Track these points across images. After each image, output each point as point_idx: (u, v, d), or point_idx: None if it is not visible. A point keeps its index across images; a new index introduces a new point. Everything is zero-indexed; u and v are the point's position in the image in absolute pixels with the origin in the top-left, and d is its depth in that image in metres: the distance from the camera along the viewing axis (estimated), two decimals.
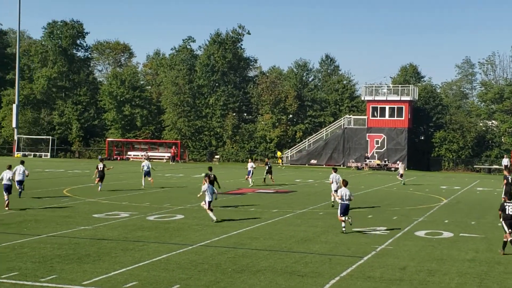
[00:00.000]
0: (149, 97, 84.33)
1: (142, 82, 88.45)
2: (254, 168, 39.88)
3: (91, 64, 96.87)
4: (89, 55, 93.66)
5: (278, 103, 77.46)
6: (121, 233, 19.53)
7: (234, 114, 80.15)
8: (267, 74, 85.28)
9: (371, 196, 34.10)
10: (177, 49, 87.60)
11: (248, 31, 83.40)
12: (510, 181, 27.57)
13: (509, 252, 17.39)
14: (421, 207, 29.12)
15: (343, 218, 20.67)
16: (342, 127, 72.29)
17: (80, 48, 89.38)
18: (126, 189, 34.44)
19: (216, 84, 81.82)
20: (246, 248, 17.40)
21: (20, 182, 28.60)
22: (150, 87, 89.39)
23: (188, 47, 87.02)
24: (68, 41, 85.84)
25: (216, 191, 23.91)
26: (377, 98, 70.43)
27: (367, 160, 68.36)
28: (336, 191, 26.62)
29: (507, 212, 17.40)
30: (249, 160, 42.04)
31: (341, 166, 69.81)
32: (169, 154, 75.29)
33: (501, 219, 17.65)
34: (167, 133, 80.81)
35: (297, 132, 78.11)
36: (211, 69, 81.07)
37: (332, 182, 27.72)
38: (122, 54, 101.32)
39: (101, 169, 33.32)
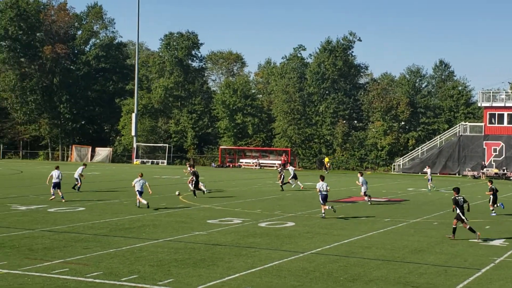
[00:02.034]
0: (260, 105, 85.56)
1: (253, 91, 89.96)
2: (294, 170, 43.09)
3: (205, 74, 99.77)
4: (203, 65, 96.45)
5: (390, 110, 76.12)
6: (234, 239, 19.93)
7: (344, 121, 79.65)
8: (378, 81, 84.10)
9: (488, 206, 32.70)
10: (287, 58, 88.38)
11: (359, 37, 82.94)
12: None
13: (469, 237, 19.93)
14: None
15: (326, 207, 25.44)
16: (458, 135, 69.93)
17: (195, 58, 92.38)
18: (238, 196, 35.13)
19: (326, 92, 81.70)
20: (358, 257, 17.25)
21: (76, 180, 35.49)
22: (261, 95, 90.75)
23: (299, 55, 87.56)
24: (184, 52, 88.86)
25: (147, 183, 28.54)
26: (495, 104, 67.61)
27: (484, 169, 65.62)
28: (365, 193, 31.69)
29: (460, 204, 20.50)
30: (287, 164, 45.43)
31: (456, 175, 67.54)
32: (279, 162, 75.89)
33: (457, 211, 20.38)
34: (278, 140, 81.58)
35: (409, 139, 76.40)
36: (321, 77, 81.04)
37: (362, 185, 31.55)
38: (234, 63, 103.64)
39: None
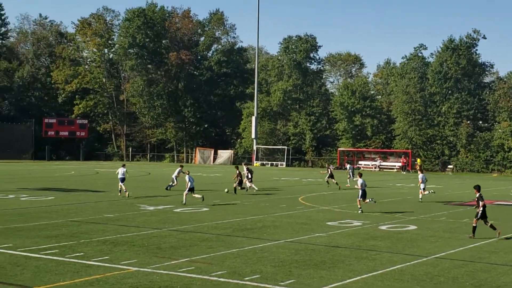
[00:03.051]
0: (379, 106, 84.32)
1: (372, 92, 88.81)
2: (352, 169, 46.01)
3: (323, 76, 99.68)
4: (322, 68, 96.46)
5: None
6: (354, 241, 19.87)
7: (468, 122, 76.78)
8: (505, 80, 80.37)
9: None
10: (408, 58, 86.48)
11: (484, 35, 79.92)
12: None
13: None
14: None
15: (367, 200, 28.11)
16: None
17: (313, 61, 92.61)
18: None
19: (449, 92, 79.18)
20: (484, 262, 16.68)
21: (173, 180, 37.55)
22: (380, 96, 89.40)
23: (420, 54, 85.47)
24: (302, 55, 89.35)
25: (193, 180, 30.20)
26: None
27: None
28: (424, 189, 33.17)
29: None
30: (346, 163, 48.88)
31: None
32: (399, 164, 74.44)
33: (480, 208, 20.50)
34: (398, 142, 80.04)
35: None
36: (444, 76, 78.66)
37: (422, 182, 32.93)
38: (353, 65, 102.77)
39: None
